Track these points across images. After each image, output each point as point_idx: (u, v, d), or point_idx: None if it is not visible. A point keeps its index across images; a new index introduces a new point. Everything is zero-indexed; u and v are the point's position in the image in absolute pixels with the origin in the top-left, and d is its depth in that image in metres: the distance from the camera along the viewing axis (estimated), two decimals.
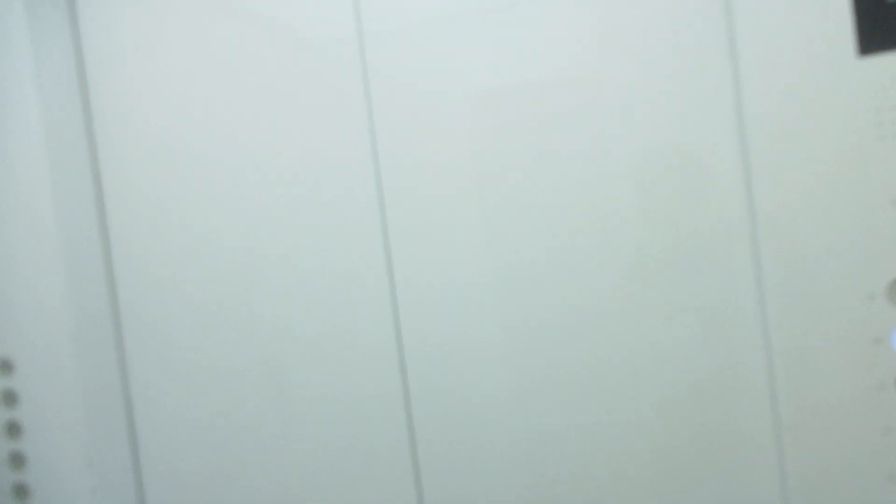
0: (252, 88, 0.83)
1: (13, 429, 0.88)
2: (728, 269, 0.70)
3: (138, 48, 0.87)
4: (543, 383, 0.75)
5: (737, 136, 0.69)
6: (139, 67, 0.87)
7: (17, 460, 0.88)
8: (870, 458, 0.65)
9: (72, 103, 0.89)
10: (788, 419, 0.67)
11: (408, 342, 0.79)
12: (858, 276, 0.64)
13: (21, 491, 0.87)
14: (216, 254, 0.85)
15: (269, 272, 0.83)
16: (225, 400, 0.86)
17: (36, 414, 0.87)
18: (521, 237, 0.75)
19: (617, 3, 0.72)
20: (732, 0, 0.65)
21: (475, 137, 0.76)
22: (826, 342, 0.65)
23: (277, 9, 0.82)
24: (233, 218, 0.84)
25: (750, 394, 0.69)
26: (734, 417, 0.70)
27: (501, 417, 0.77)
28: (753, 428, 0.69)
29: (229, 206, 0.84)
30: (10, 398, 0.88)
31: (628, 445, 0.73)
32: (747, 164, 0.67)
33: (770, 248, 0.66)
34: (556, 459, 0.75)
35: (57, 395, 0.87)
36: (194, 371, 0.86)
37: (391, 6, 0.78)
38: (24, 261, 0.86)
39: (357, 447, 0.81)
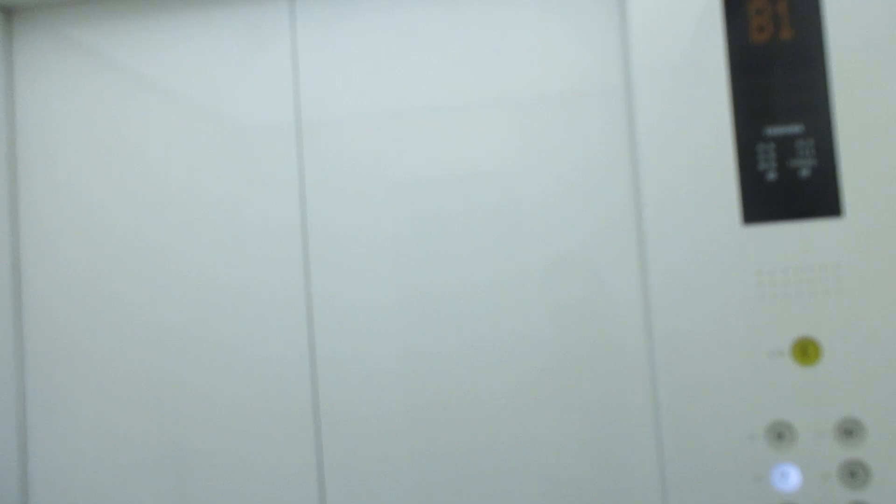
0: (187, 168, 0.89)
1: None
2: (626, 400, 0.77)
3: (72, 128, 0.93)
4: (444, 473, 0.81)
5: (639, 284, 0.77)
6: (72, 148, 0.93)
7: None
8: None
9: None
10: None
11: (325, 422, 0.83)
12: (741, 417, 0.71)
13: None
14: (129, 329, 0.89)
15: (187, 350, 0.87)
16: (126, 486, 0.88)
17: None
18: (432, 317, 0.82)
19: (540, 127, 0.82)
20: (639, 159, 0.75)
21: (396, 224, 0.84)
22: (712, 475, 0.71)
23: (219, 93, 0.90)
24: (155, 292, 0.89)
25: None
26: None
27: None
28: None
29: (152, 281, 0.89)
30: None
31: None
32: (648, 315, 0.75)
33: (664, 384, 0.73)
34: None
35: None
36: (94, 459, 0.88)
37: (329, 98, 0.87)
38: None
39: None
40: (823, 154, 0.71)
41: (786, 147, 0.71)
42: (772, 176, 0.71)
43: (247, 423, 0.85)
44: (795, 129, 0.71)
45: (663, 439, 0.73)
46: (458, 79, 0.85)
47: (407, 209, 0.84)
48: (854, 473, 0.69)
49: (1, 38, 0.94)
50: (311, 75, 0.88)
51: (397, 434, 0.82)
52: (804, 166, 0.71)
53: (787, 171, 0.71)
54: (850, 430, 0.69)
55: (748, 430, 0.71)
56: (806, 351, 0.70)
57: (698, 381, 0.71)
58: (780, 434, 0.70)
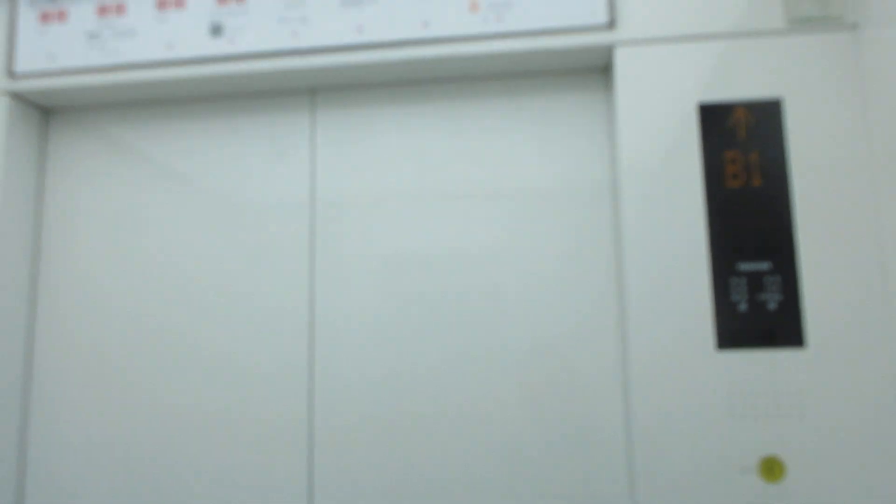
0: (206, 251, 0.98)
1: None
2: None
3: (98, 214, 1.01)
4: None
5: (622, 407, 0.85)
6: (96, 232, 1.00)
7: None
8: None
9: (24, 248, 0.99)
10: None
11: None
12: None
13: None
14: (139, 352, 0.95)
15: (193, 366, 0.94)
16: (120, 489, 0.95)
17: None
18: (419, 375, 0.91)
19: (527, 224, 0.92)
20: (625, 288, 0.83)
21: (391, 295, 0.93)
22: None
23: (240, 188, 0.99)
24: (177, 363, 0.95)
25: None
26: None
27: None
28: None
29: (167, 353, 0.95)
30: None
31: None
32: (629, 428, 0.82)
33: (642, 495, 0.79)
34: None
35: None
36: None
37: (340, 184, 0.96)
38: None
39: None
40: (789, 290, 0.79)
41: (755, 281, 0.79)
42: (743, 307, 0.79)
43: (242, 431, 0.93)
44: (764, 265, 0.79)
45: None
46: (458, 173, 0.94)
47: (402, 282, 0.93)
48: None
49: (37, 135, 1.02)
50: (327, 174, 0.97)
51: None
52: (771, 300, 0.79)
53: (756, 304, 0.79)
54: None
55: None
56: (772, 469, 0.77)
57: (674, 492, 0.78)
58: None
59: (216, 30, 0.92)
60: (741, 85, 0.82)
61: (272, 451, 0.91)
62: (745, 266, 0.80)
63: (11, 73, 0.95)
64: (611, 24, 0.84)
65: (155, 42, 0.93)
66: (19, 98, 0.97)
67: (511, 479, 0.87)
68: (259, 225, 0.97)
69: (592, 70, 0.92)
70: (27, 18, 0.96)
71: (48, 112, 1.03)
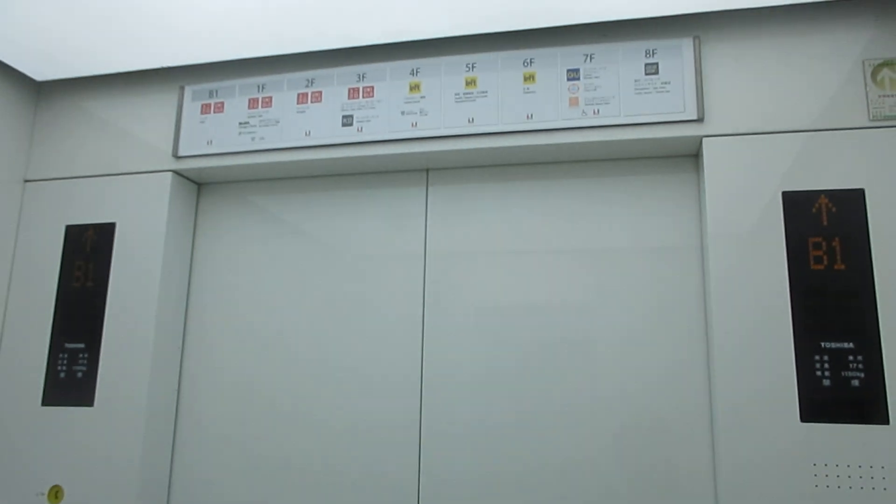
0: (333, 305, 1.11)
1: None
2: None
3: (241, 271, 1.16)
4: None
5: (710, 476, 0.91)
6: (241, 284, 1.15)
7: None
8: None
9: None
10: None
11: None
12: None
13: None
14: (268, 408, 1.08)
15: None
16: None
17: None
18: (516, 421, 1.01)
19: (618, 281, 1.01)
20: (713, 362, 0.89)
21: (494, 343, 1.04)
22: None
23: (365, 250, 1.13)
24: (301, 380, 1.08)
25: None
26: None
27: None
28: None
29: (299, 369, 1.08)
30: None
31: None
32: (716, 492, 0.88)
33: None
34: None
35: None
36: None
37: (448, 246, 1.09)
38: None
39: None
40: (872, 369, 0.83)
41: (839, 359, 0.84)
42: (826, 383, 0.84)
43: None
44: (847, 345, 0.85)
45: None
46: (554, 237, 1.04)
47: (501, 331, 1.03)
48: None
49: (192, 202, 1.19)
50: (437, 237, 1.09)
51: None
52: (854, 378, 0.84)
53: (839, 380, 0.84)
54: None
55: None
56: None
57: None
58: None
59: (347, 120, 1.06)
60: (824, 175, 0.88)
61: (387, 447, 1.05)
62: (829, 344, 0.85)
63: (176, 156, 1.13)
64: (700, 119, 0.93)
65: (295, 130, 1.08)
66: (180, 175, 1.15)
67: None
68: (379, 277, 1.10)
69: (682, 155, 1.00)
70: (190, 110, 1.14)
71: (200, 185, 1.21)
